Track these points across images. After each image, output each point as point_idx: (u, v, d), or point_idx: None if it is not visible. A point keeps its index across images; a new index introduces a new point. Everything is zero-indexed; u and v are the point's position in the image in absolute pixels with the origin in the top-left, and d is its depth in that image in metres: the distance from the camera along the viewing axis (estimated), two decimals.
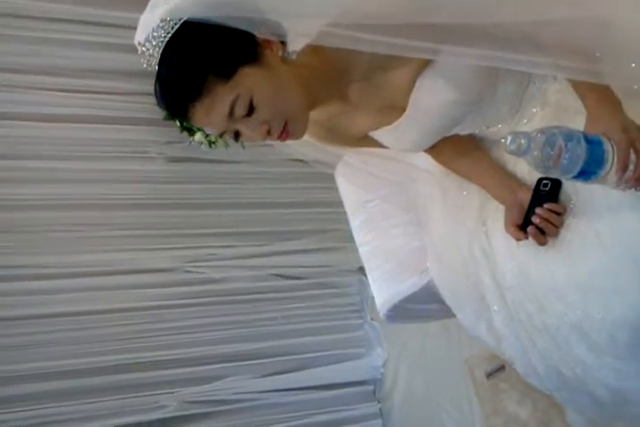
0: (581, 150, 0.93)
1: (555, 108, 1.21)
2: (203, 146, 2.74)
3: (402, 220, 1.75)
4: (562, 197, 1.17)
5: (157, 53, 1.08)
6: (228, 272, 2.94)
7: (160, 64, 1.09)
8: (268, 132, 1.13)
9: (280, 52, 1.14)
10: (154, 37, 1.08)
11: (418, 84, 1.18)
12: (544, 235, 1.16)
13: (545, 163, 0.95)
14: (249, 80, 1.08)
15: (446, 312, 1.52)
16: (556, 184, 1.18)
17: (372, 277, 1.88)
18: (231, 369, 2.86)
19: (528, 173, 1.27)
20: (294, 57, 1.17)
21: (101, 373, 2.65)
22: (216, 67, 1.07)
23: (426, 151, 1.40)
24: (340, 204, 2.02)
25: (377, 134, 1.32)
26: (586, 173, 0.96)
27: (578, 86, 1.11)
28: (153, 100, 1.15)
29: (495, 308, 1.30)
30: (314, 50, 1.17)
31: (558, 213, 1.15)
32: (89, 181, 2.73)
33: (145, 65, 1.12)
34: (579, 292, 1.10)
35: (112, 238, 2.76)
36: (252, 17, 1.08)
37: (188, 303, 2.86)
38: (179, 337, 2.81)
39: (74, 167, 2.70)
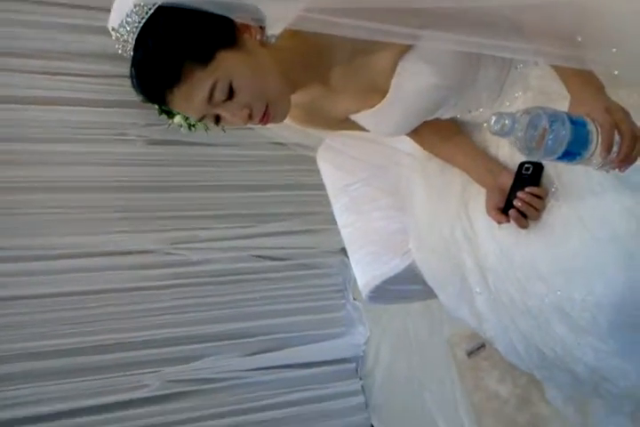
0: (566, 131, 0.93)
1: (537, 93, 1.21)
2: (182, 129, 2.71)
3: (383, 203, 1.75)
4: (544, 180, 1.18)
5: (132, 39, 1.07)
6: (211, 254, 2.92)
7: (135, 50, 1.07)
8: (250, 117, 1.12)
9: (259, 36, 1.13)
10: (128, 23, 1.06)
11: (399, 67, 1.18)
12: (525, 218, 1.16)
13: (529, 144, 0.95)
14: (228, 64, 1.07)
15: (428, 293, 1.53)
16: (538, 168, 1.18)
17: (353, 259, 1.89)
18: (213, 349, 2.86)
19: (510, 156, 1.27)
20: (273, 41, 1.16)
21: (83, 353, 2.64)
22: (193, 52, 1.06)
23: (407, 135, 1.40)
24: (322, 186, 2.01)
25: (358, 118, 1.32)
26: (570, 155, 0.96)
27: (561, 71, 1.11)
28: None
29: (477, 289, 1.31)
30: (293, 33, 1.16)
31: (540, 197, 1.15)
32: (67, 163, 2.68)
33: (120, 51, 1.10)
34: (560, 273, 1.11)
35: (92, 221, 2.72)
36: (228, 1, 1.06)
37: (170, 284, 2.84)
38: (161, 318, 2.79)
39: (52, 150, 2.65)
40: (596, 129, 0.96)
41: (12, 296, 2.58)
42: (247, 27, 1.11)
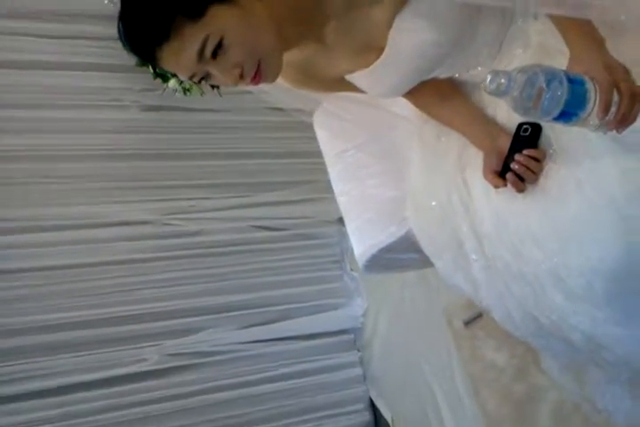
0: (563, 90, 0.91)
1: (536, 49, 1.18)
2: (177, 93, 2.65)
3: (379, 169, 1.72)
4: (542, 142, 1.15)
5: None
6: (208, 224, 2.91)
7: (124, 4, 1.04)
8: (241, 76, 1.10)
9: None
10: None
11: (396, 24, 1.15)
12: (523, 182, 1.14)
13: (525, 103, 0.93)
14: (220, 19, 1.04)
15: (424, 262, 1.52)
16: (536, 129, 1.15)
17: (350, 227, 1.87)
18: (211, 321, 2.87)
19: (508, 118, 1.24)
20: None
21: (81, 327, 2.64)
22: (185, 6, 1.02)
23: (404, 96, 1.36)
24: (319, 154, 1.98)
25: (354, 77, 1.29)
26: (566, 115, 0.94)
27: (560, 23, 1.08)
28: None
29: (473, 256, 1.29)
30: None
31: (537, 160, 1.13)
32: (60, 130, 2.65)
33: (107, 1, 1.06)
34: (556, 239, 1.09)
35: (85, 191, 2.69)
36: None
37: (167, 256, 2.83)
38: (158, 290, 2.79)
39: (43, 116, 2.61)
40: (595, 88, 0.94)
41: (3, 270, 2.55)
42: None
